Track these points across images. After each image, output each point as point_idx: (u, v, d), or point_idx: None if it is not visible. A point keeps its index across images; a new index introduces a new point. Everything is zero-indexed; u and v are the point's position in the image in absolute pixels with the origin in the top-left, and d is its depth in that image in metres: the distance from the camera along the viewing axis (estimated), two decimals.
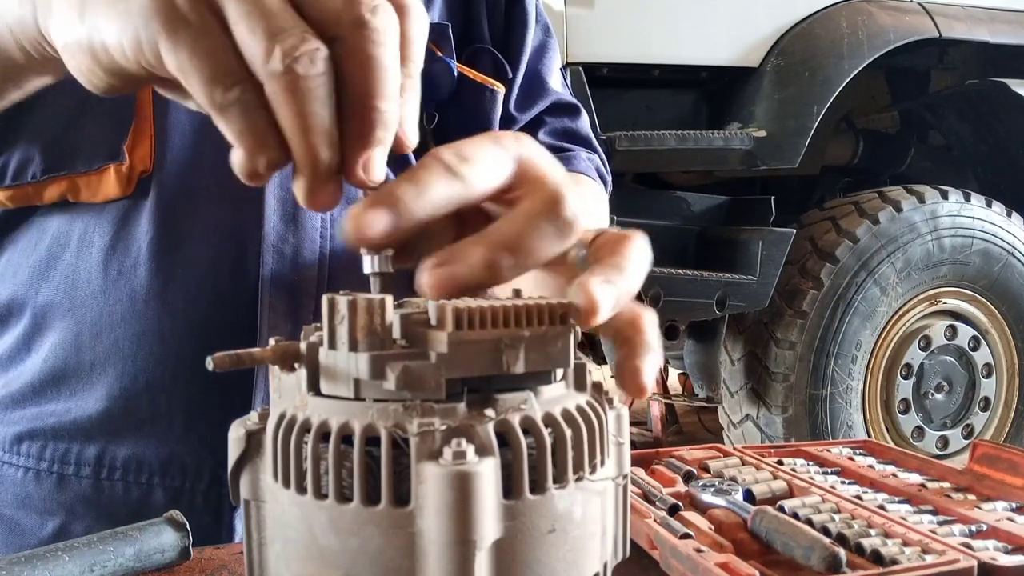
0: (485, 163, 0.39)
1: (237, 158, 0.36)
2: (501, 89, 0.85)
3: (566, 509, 0.32)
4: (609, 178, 0.98)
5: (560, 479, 0.32)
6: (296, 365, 0.34)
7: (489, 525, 0.29)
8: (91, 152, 0.69)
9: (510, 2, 0.88)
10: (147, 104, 0.70)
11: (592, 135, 0.98)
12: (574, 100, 0.97)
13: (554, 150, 0.92)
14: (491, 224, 0.38)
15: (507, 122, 0.88)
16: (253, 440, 0.35)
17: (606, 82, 2.64)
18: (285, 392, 0.35)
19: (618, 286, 0.38)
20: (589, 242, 0.41)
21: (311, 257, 0.73)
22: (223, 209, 0.72)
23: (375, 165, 0.37)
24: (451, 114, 0.81)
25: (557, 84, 0.95)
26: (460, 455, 0.29)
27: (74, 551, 0.53)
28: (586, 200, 0.85)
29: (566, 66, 2.49)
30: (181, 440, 0.71)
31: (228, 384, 0.70)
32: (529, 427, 0.32)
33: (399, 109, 0.37)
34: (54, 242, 0.72)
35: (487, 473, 0.29)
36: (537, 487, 0.31)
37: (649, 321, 0.40)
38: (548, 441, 0.32)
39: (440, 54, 0.79)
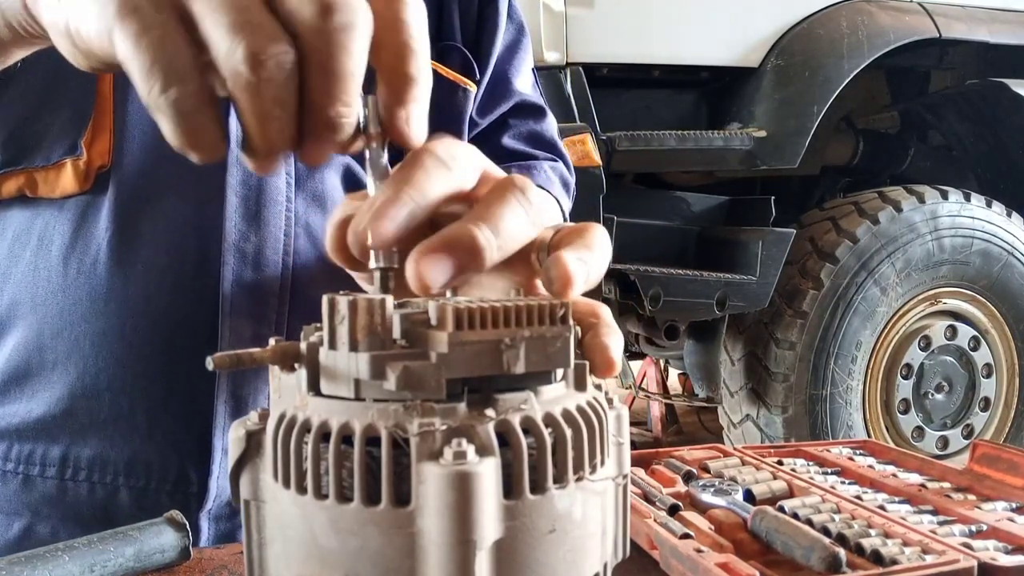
0: (467, 158, 0.41)
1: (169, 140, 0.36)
2: (473, 89, 0.84)
3: (566, 509, 0.32)
4: (572, 181, 0.96)
5: (560, 479, 0.32)
6: (296, 365, 0.34)
7: (489, 525, 0.29)
8: (49, 146, 0.69)
9: (483, 1, 0.86)
10: (108, 98, 0.70)
11: (557, 138, 0.96)
12: (540, 102, 0.95)
13: (518, 155, 0.90)
14: (466, 213, 0.39)
15: (469, 126, 0.87)
16: (253, 440, 0.35)
17: (606, 82, 2.64)
18: (285, 392, 0.35)
19: (588, 263, 0.39)
20: (548, 240, 0.42)
21: (274, 256, 0.72)
22: (184, 207, 0.71)
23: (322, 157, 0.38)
24: None
25: (525, 85, 0.93)
26: (460, 455, 0.29)
27: (74, 551, 0.53)
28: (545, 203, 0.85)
29: (566, 66, 2.49)
30: (145, 440, 0.71)
31: (192, 384, 0.70)
32: (529, 427, 0.32)
33: (354, 110, 0.36)
34: (16, 240, 0.71)
35: (487, 473, 0.29)
36: (537, 487, 0.31)
37: (606, 310, 0.42)
38: (548, 441, 0.32)
39: None
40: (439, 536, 0.29)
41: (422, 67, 0.38)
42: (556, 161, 0.94)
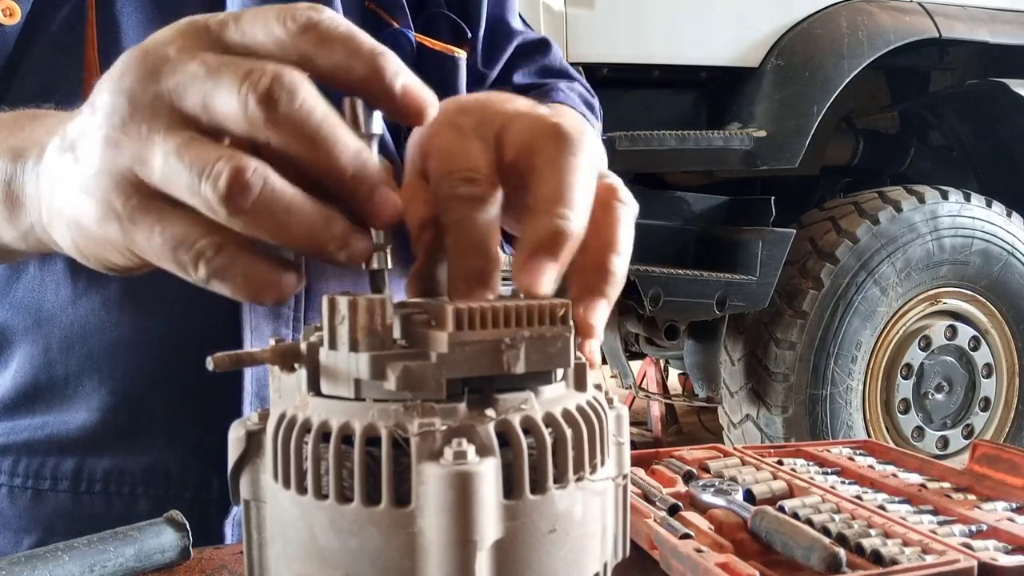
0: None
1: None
2: (463, 55, 0.81)
3: (567, 509, 0.32)
4: (596, 102, 0.94)
5: (560, 479, 0.32)
6: (296, 365, 0.34)
7: (490, 525, 0.29)
8: None
9: None
10: None
11: (568, 66, 0.94)
12: (541, 35, 0.93)
13: (533, 88, 0.87)
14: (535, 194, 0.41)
15: (478, 81, 0.85)
16: (253, 440, 0.35)
17: (606, 82, 2.64)
18: (285, 392, 0.35)
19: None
20: None
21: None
22: None
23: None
24: None
25: (519, 23, 0.91)
26: (461, 455, 0.29)
27: (74, 551, 0.53)
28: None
29: None
30: (164, 448, 0.69)
31: (212, 388, 0.68)
32: (530, 427, 0.32)
33: (353, 172, 0.36)
34: None
35: (488, 473, 0.29)
36: (538, 487, 0.31)
37: (623, 193, 0.49)
38: (548, 441, 0.32)
39: (396, 25, 0.76)
40: (439, 536, 0.29)
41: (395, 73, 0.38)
42: (572, 82, 0.92)
